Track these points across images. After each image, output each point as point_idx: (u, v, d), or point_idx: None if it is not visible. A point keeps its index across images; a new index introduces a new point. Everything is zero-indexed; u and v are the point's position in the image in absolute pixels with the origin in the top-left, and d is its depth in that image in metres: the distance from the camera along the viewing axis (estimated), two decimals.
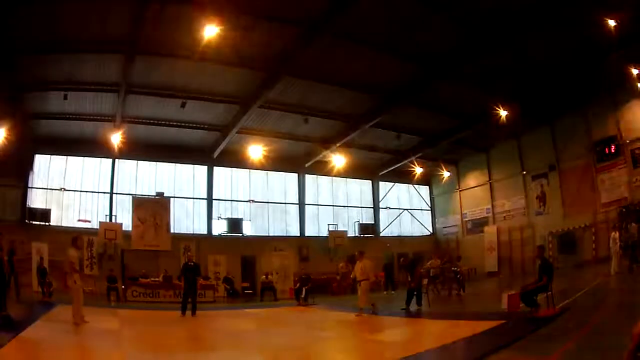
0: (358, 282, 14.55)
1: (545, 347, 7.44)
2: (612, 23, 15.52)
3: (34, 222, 22.17)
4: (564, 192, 25.49)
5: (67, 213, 23.83)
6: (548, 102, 22.93)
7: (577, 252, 23.71)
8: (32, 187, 23.04)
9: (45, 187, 23.58)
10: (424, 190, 35.53)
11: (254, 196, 28.83)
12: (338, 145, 25.95)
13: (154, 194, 25.62)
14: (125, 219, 24.24)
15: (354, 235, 30.68)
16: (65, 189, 23.95)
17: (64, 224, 23.31)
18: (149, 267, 22.55)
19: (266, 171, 28.76)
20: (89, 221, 23.93)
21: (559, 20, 15.92)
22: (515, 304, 11.15)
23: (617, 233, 18.53)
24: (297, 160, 28.90)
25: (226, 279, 24.28)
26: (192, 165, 27.25)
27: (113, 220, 24.12)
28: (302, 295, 19.59)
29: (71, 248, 11.63)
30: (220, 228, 27.04)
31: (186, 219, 26.78)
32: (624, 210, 21.19)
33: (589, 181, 23.87)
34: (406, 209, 34.42)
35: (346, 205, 32.21)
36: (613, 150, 22.58)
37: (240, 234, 27.29)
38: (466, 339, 8.72)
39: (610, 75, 19.83)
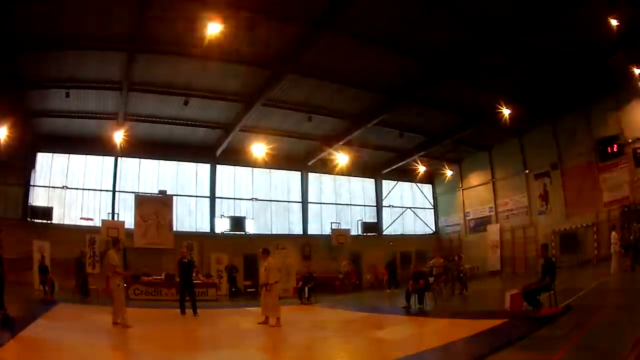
0: (263, 287, 12.40)
1: (547, 346, 7.45)
2: (615, 23, 15.50)
3: (35, 220, 22.24)
4: (567, 191, 25.45)
5: (69, 211, 23.88)
6: (551, 101, 22.84)
7: (579, 251, 23.65)
8: (34, 185, 23.08)
9: (48, 185, 23.62)
10: (427, 188, 35.52)
11: (256, 194, 28.81)
12: (341, 143, 25.92)
13: (157, 192, 25.69)
14: (127, 217, 24.23)
15: (356, 233, 30.72)
16: (67, 187, 23.98)
17: (66, 222, 23.39)
18: (151, 265, 22.39)
19: (269, 169, 28.74)
20: (92, 219, 23.95)
21: (562, 19, 15.87)
22: (518, 303, 11.11)
23: (618, 233, 18.51)
24: (300, 158, 28.94)
25: (230, 268, 24.20)
26: (194, 163, 27.23)
27: (115, 219, 24.13)
28: (305, 294, 19.58)
29: (112, 250, 11.64)
30: (222, 226, 27.04)
31: (189, 217, 26.79)
32: (626, 209, 21.17)
33: (591, 180, 23.83)
34: (409, 208, 34.41)
35: (349, 203, 32.17)
36: (615, 150, 22.54)
37: (243, 232, 27.27)
38: (468, 338, 8.73)
39: (613, 74, 19.86)
